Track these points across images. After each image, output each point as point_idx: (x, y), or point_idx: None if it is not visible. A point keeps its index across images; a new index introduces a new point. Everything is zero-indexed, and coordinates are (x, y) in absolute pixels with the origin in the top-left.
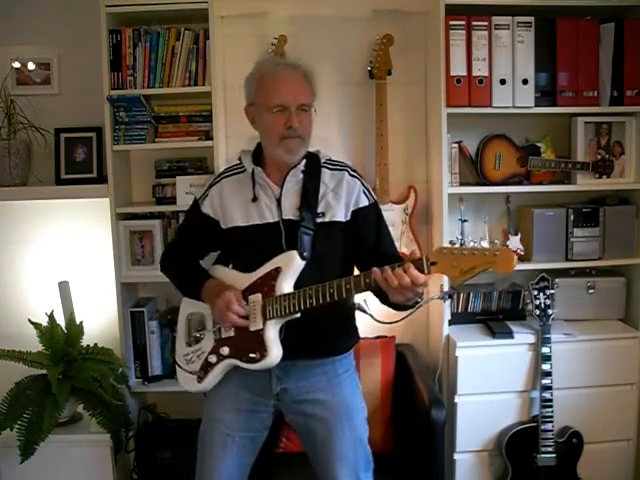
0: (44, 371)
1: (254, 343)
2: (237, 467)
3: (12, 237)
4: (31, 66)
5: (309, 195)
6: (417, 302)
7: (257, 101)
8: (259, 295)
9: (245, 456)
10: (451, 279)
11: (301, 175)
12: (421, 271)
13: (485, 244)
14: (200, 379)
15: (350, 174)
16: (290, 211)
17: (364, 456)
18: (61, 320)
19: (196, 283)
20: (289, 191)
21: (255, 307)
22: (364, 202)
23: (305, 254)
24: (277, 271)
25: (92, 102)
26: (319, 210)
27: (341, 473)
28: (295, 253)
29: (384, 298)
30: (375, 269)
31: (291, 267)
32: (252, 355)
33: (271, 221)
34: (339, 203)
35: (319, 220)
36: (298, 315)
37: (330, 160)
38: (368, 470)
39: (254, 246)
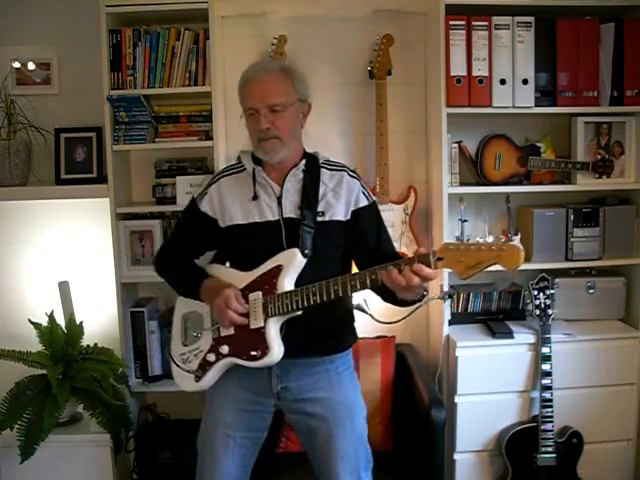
0: (44, 371)
1: (255, 341)
2: (238, 468)
3: (12, 237)
4: (31, 66)
5: (309, 194)
6: (423, 295)
7: (241, 106)
8: (259, 293)
9: (246, 457)
10: (457, 274)
11: (302, 174)
12: (428, 266)
13: (491, 239)
14: (198, 378)
15: (349, 174)
16: (291, 210)
17: (365, 455)
18: (61, 320)
19: (194, 282)
20: (289, 190)
21: (256, 305)
22: (364, 202)
23: (307, 252)
24: (278, 269)
25: (92, 102)
26: (319, 209)
27: (342, 472)
28: (297, 251)
29: (387, 296)
30: (382, 271)
31: (293, 265)
32: (253, 353)
33: (272, 219)
34: (339, 202)
35: (319, 219)
36: (300, 312)
37: (328, 161)
38: (368, 469)
39: (254, 244)
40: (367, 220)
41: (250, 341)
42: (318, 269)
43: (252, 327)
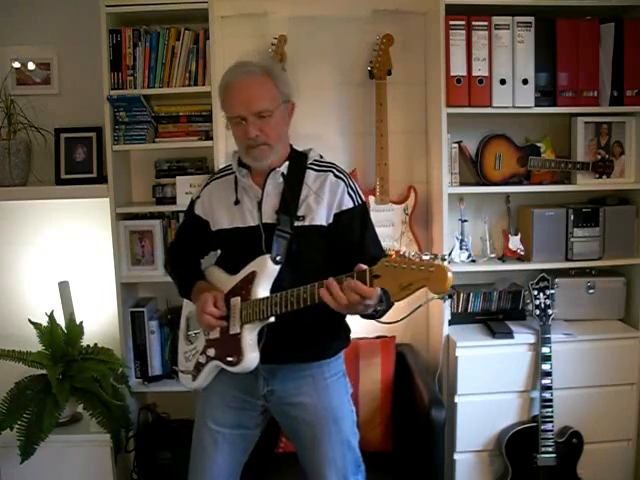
0: (44, 371)
1: (233, 346)
2: (228, 464)
3: (12, 237)
4: (31, 66)
5: (288, 198)
6: (377, 311)
7: (224, 112)
8: (238, 298)
9: (236, 453)
10: (391, 295)
11: (281, 178)
12: (364, 283)
13: (426, 257)
14: (194, 378)
15: (335, 175)
16: (269, 215)
17: (353, 460)
18: (61, 320)
19: (187, 284)
20: (270, 194)
21: (235, 310)
22: (348, 204)
23: (278, 258)
24: (253, 275)
25: (92, 102)
26: (300, 213)
27: (329, 475)
28: (267, 257)
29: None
30: (323, 290)
31: (264, 271)
32: (229, 358)
33: (252, 224)
34: (320, 206)
35: (298, 224)
36: (272, 320)
37: (317, 161)
38: (358, 473)
39: (237, 249)
40: (349, 222)
41: (229, 346)
42: (297, 276)
43: (231, 332)
